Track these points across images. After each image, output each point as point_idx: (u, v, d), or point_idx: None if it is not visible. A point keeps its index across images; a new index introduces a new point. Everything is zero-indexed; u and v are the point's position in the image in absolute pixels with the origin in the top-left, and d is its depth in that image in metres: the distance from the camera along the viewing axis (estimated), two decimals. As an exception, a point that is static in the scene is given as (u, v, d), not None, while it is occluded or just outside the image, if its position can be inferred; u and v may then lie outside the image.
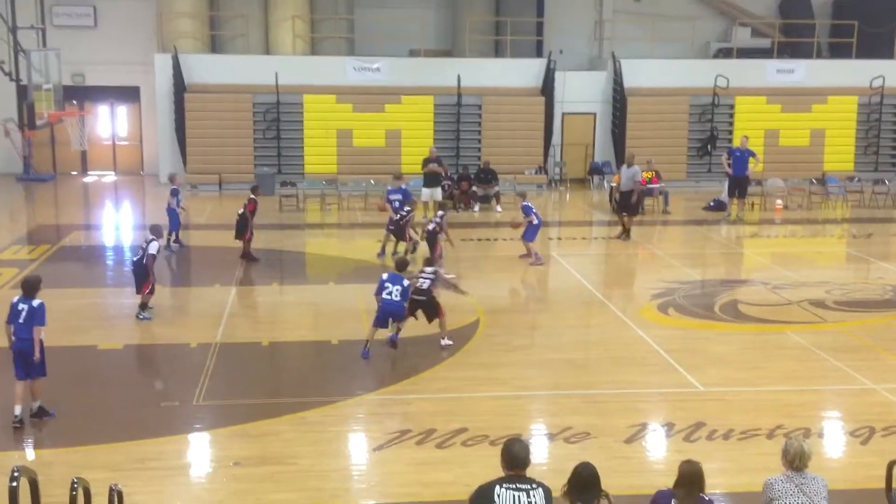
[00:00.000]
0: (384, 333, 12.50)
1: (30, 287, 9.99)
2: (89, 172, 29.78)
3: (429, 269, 12.79)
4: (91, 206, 25.78)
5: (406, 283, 12.36)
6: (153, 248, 13.89)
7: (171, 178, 19.79)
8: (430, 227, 17.46)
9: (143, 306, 14.10)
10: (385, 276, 12.48)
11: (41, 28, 26.11)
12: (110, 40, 28.38)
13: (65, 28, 28.23)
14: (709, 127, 28.35)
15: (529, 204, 18.02)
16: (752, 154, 22.82)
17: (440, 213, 18.33)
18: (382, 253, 18.27)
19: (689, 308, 15.05)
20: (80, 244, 20.45)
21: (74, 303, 14.94)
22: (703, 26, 31.16)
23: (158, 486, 8.75)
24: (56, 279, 16.60)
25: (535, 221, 17.64)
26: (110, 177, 29.55)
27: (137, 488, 8.44)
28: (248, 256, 17.80)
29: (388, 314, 12.32)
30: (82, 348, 12.81)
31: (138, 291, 14.08)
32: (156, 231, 14.42)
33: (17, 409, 9.88)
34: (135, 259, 14.32)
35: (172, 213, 18.70)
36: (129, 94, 29.41)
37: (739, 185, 22.83)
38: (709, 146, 28.30)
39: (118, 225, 23.47)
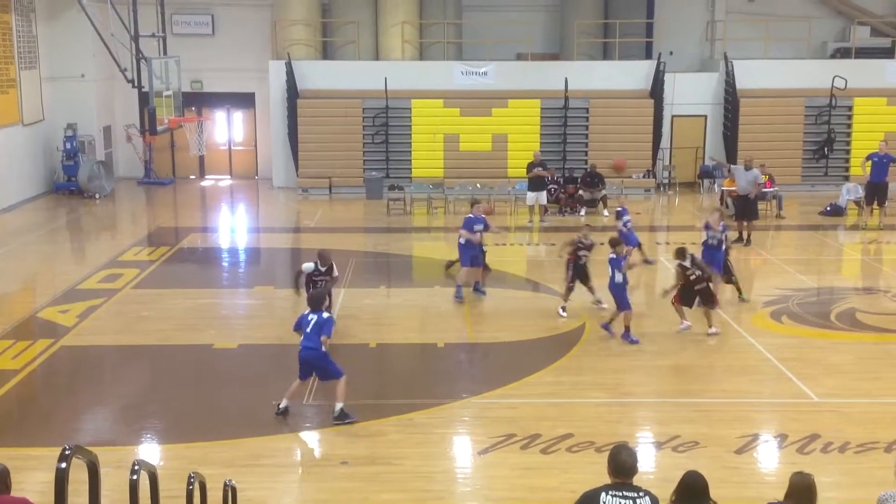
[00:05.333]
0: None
1: (316, 302, 10.73)
2: (206, 176, 30.71)
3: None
4: (208, 210, 26.60)
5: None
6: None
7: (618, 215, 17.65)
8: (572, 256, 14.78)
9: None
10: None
11: (162, 36, 26.97)
12: (227, 48, 29.23)
13: (184, 36, 29.14)
14: (825, 129, 27.46)
15: (472, 215, 15.84)
16: (893, 159, 21.82)
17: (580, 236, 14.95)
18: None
19: (804, 316, 14.63)
20: (198, 246, 21.15)
21: (192, 302, 15.50)
22: (820, 26, 30.17)
23: (270, 483, 9.01)
24: (174, 280, 17.28)
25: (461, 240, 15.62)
26: (226, 181, 30.44)
27: (250, 484, 8.71)
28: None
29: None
30: (199, 346, 13.28)
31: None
32: (324, 258, 14.04)
33: (284, 402, 10.56)
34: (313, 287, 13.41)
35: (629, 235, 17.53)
36: (244, 100, 30.21)
37: (878, 191, 21.87)
38: (825, 149, 27.41)
39: (234, 227, 24.18)
